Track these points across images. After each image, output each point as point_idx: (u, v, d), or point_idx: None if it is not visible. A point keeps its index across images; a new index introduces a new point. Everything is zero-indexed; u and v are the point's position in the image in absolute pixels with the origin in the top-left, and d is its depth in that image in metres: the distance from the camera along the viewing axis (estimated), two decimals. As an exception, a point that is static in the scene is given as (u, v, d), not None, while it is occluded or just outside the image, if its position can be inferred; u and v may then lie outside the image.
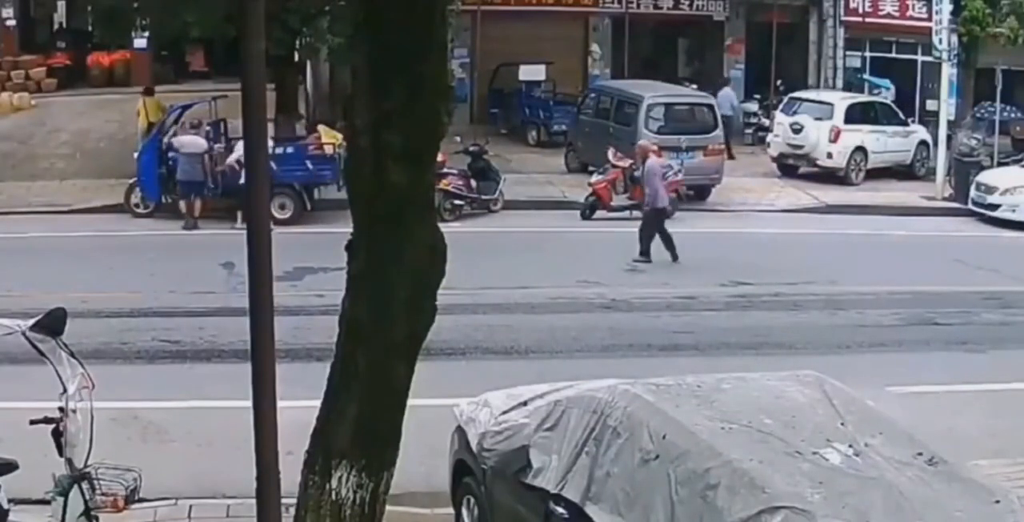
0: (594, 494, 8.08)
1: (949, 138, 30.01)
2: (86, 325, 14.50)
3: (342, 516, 7.36)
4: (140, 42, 31.85)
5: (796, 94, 31.84)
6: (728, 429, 7.63)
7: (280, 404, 6.57)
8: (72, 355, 8.25)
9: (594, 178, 25.00)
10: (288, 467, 6.87)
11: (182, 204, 23.14)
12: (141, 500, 9.01)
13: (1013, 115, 33.24)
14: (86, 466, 8.35)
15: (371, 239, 7.28)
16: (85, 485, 8.30)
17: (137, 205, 23.81)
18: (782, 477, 7.13)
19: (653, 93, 27.77)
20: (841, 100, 30.74)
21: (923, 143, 30.84)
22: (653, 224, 21.09)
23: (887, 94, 33.38)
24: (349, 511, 7.36)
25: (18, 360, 11.10)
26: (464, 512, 9.78)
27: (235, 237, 13.68)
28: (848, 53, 35.98)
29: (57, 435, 8.28)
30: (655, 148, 22.42)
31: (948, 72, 29.86)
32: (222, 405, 12.53)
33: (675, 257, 20.82)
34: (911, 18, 33.64)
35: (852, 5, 35.46)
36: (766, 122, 32.49)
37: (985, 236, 25.42)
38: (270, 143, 12.70)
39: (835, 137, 29.30)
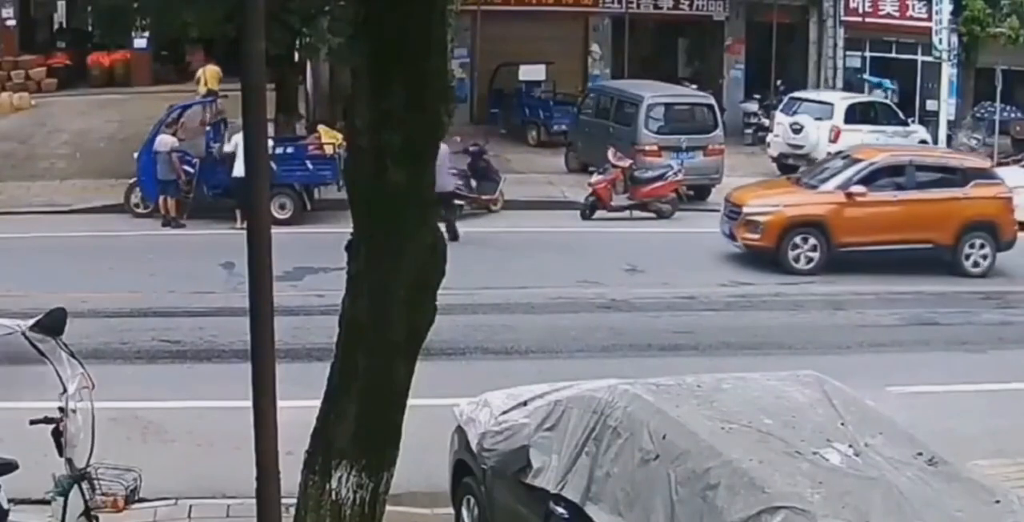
0: (594, 494, 8.08)
1: (949, 138, 30.04)
2: (86, 325, 14.50)
3: (342, 516, 7.36)
4: (140, 42, 31.93)
5: (796, 94, 31.86)
6: (728, 429, 7.63)
7: (280, 404, 6.57)
8: (72, 355, 8.25)
9: (594, 178, 25.01)
10: (288, 467, 6.87)
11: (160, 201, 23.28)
12: (141, 500, 9.02)
13: (1013, 115, 33.28)
14: (87, 466, 8.35)
15: (371, 239, 7.28)
16: (85, 485, 8.30)
17: (137, 205, 23.80)
18: (782, 477, 7.13)
19: (653, 93, 27.79)
20: (841, 100, 30.75)
21: (923, 143, 30.85)
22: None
23: (892, 94, 33.36)
24: (349, 511, 7.36)
25: (18, 360, 11.10)
26: (464, 512, 9.78)
27: (235, 237, 13.70)
28: (848, 53, 35.99)
29: (57, 435, 8.28)
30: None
31: (948, 72, 29.91)
32: (222, 405, 12.54)
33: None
34: (911, 18, 33.67)
35: (852, 5, 35.47)
36: (766, 122, 32.50)
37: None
38: (270, 143, 12.70)
39: (835, 137, 29.31)
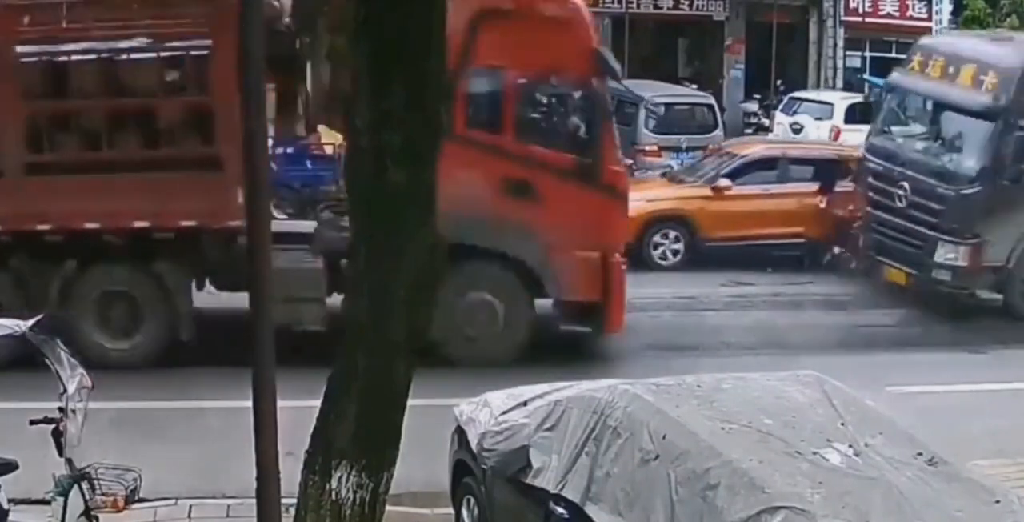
0: (594, 494, 8.08)
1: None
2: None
3: (342, 516, 7.36)
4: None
5: (796, 94, 31.84)
6: (728, 429, 7.63)
7: (280, 404, 6.57)
8: (72, 355, 8.26)
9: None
10: (288, 467, 6.87)
11: None
12: (141, 500, 9.01)
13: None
14: (86, 466, 8.35)
15: (371, 239, 7.29)
16: (85, 485, 8.30)
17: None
18: (782, 477, 7.13)
19: (653, 93, 27.80)
20: (841, 100, 30.75)
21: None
22: None
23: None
24: (349, 511, 7.36)
25: (18, 360, 11.10)
26: (464, 512, 9.78)
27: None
28: (848, 53, 36.00)
29: (57, 435, 8.28)
30: None
31: (948, 72, 29.83)
32: (222, 405, 12.53)
33: None
34: (911, 18, 33.72)
35: (852, 5, 35.51)
36: (766, 122, 32.49)
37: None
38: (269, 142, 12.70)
39: (835, 137, 29.29)
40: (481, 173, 14.35)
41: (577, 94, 14.87)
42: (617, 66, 15.34)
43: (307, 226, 15.14)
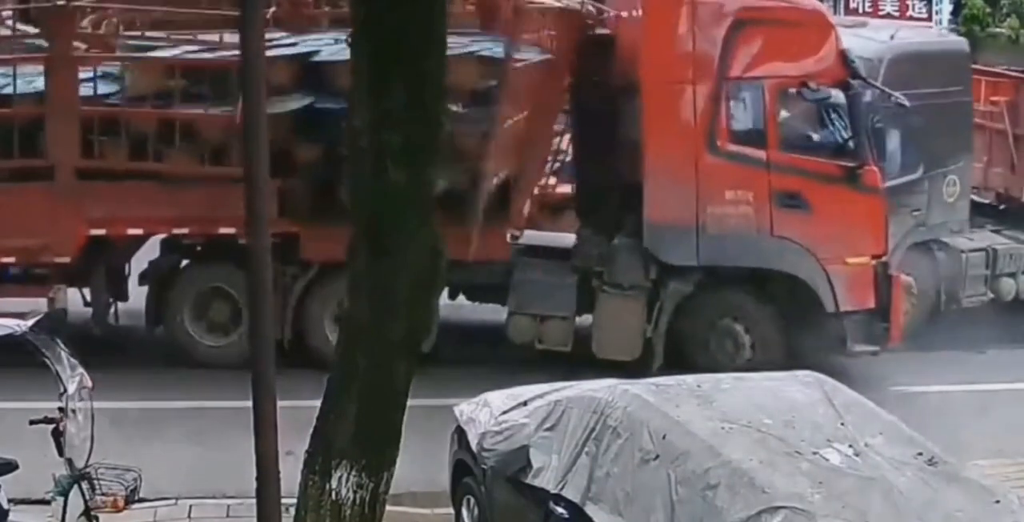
0: (594, 494, 8.08)
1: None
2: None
3: (342, 516, 7.35)
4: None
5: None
6: (728, 429, 7.64)
7: (280, 404, 6.58)
8: (72, 355, 8.26)
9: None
10: (288, 467, 6.87)
11: None
12: (141, 500, 9.01)
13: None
14: (86, 466, 8.35)
15: (371, 239, 7.29)
16: (85, 485, 8.30)
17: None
18: (782, 477, 7.14)
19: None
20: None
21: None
22: None
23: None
24: (349, 511, 7.36)
25: (18, 360, 11.09)
26: (464, 512, 9.78)
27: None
28: (848, 53, 35.91)
29: (57, 435, 8.28)
30: None
31: (948, 72, 29.79)
32: (222, 405, 12.53)
33: None
34: (911, 18, 33.65)
35: (852, 5, 35.43)
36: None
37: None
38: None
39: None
40: (752, 189, 14.43)
41: (834, 97, 14.68)
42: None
43: (567, 240, 15.26)
